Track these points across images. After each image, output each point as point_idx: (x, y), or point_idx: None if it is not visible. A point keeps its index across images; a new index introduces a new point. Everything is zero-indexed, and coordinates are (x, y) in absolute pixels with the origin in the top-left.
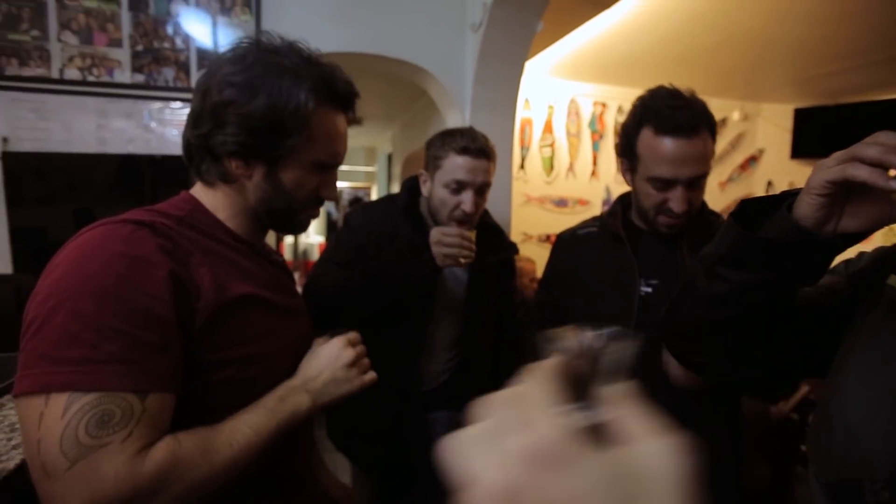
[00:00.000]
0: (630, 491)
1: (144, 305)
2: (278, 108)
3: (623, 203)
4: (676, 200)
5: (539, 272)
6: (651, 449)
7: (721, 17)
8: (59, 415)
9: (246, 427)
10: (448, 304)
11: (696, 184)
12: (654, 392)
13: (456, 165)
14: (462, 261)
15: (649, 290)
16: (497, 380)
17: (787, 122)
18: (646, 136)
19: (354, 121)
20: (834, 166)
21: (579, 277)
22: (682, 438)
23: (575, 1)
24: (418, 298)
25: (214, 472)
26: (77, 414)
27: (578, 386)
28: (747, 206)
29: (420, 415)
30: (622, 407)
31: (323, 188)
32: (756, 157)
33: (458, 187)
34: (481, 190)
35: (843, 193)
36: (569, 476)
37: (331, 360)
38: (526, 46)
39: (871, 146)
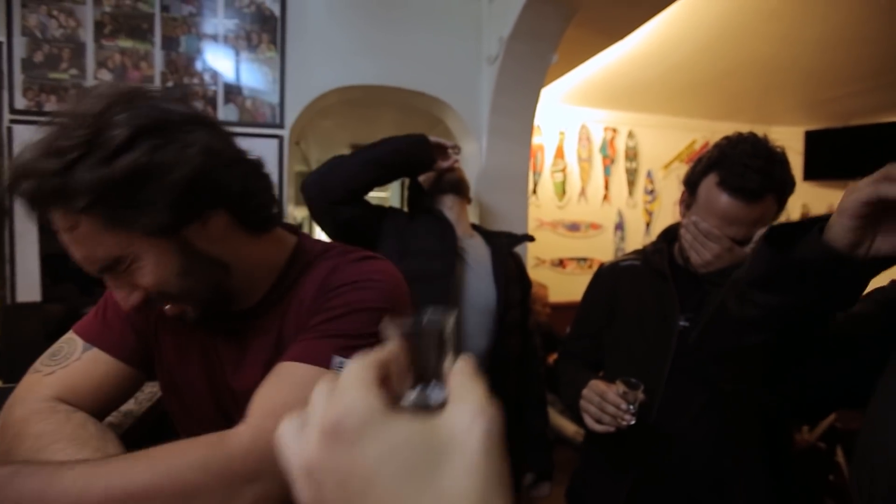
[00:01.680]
0: (431, 458)
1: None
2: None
3: (667, 238)
4: (710, 251)
5: (551, 297)
6: (459, 410)
7: (730, 44)
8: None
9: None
10: (478, 304)
11: (741, 244)
12: (690, 422)
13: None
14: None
15: (687, 324)
16: (520, 399)
17: (798, 145)
18: (709, 182)
19: None
20: (867, 187)
21: (620, 310)
22: (489, 401)
23: (587, 34)
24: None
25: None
26: (58, 343)
27: (421, 368)
28: (778, 231)
29: None
30: (451, 379)
31: None
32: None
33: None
34: None
35: (876, 215)
36: (361, 447)
37: None
38: (541, 77)
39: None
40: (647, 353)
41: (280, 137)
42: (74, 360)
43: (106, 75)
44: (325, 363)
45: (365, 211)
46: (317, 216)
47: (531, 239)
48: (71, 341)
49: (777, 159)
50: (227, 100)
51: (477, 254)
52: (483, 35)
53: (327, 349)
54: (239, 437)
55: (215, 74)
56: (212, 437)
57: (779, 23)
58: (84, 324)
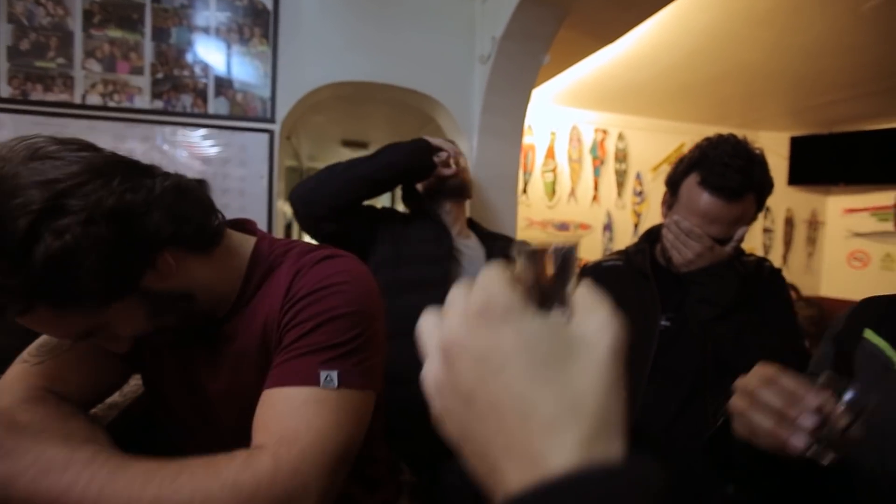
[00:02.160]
0: (562, 352)
1: None
2: None
3: (650, 239)
4: (692, 250)
5: None
6: (588, 319)
7: (720, 50)
8: None
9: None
10: None
11: (721, 243)
12: (668, 429)
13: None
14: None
15: (668, 323)
16: None
17: (784, 150)
18: (690, 182)
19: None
20: (741, 411)
21: None
22: (618, 315)
23: (580, 35)
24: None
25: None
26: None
27: (544, 295)
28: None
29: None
30: (577, 298)
31: None
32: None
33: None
34: None
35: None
36: (502, 329)
37: None
38: (533, 77)
39: (770, 392)
40: (629, 352)
41: (271, 132)
42: (64, 351)
43: (94, 65)
44: (313, 380)
45: (351, 227)
46: (303, 227)
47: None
48: None
49: (756, 160)
50: (218, 93)
51: (472, 255)
52: (476, 34)
53: (310, 366)
54: (263, 463)
55: (206, 67)
56: (238, 459)
57: (768, 30)
58: None
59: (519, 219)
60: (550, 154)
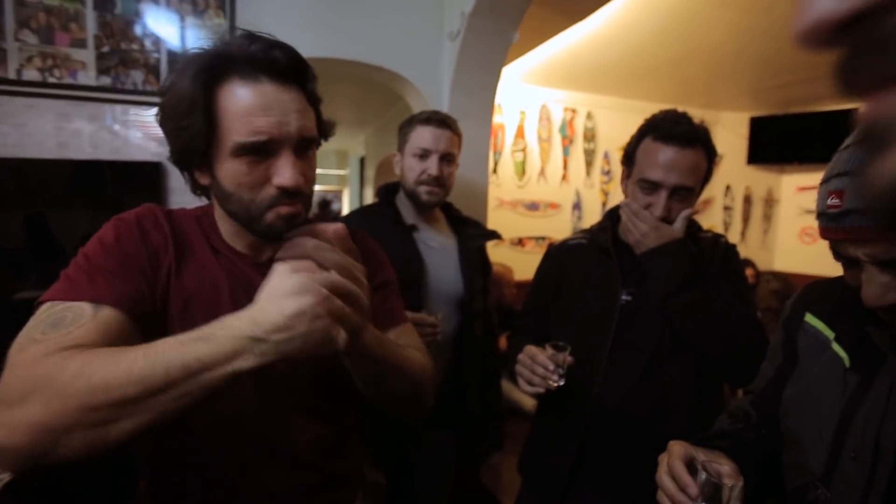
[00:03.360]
0: None
1: (118, 244)
2: (169, 105)
3: (612, 216)
4: (658, 206)
5: (517, 278)
6: None
7: (685, 31)
8: (33, 319)
9: (146, 357)
10: (444, 291)
11: (680, 194)
12: (629, 394)
13: (421, 135)
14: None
15: (629, 298)
16: (490, 381)
17: (744, 130)
18: (645, 143)
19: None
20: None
21: (566, 286)
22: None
23: (549, 12)
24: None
25: (95, 395)
26: (42, 316)
27: None
28: None
29: (425, 430)
30: None
31: (275, 175)
32: (716, 162)
33: (424, 154)
34: (446, 158)
35: None
36: None
37: (295, 304)
38: (502, 55)
39: (667, 478)
40: (591, 325)
41: None
42: (85, 322)
43: (29, 36)
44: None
45: None
46: None
47: (498, 237)
48: (71, 307)
49: (700, 124)
50: (172, 68)
51: (443, 243)
52: (445, 10)
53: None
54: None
55: (158, 41)
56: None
57: (730, 11)
58: (72, 287)
59: (490, 199)
60: (520, 133)
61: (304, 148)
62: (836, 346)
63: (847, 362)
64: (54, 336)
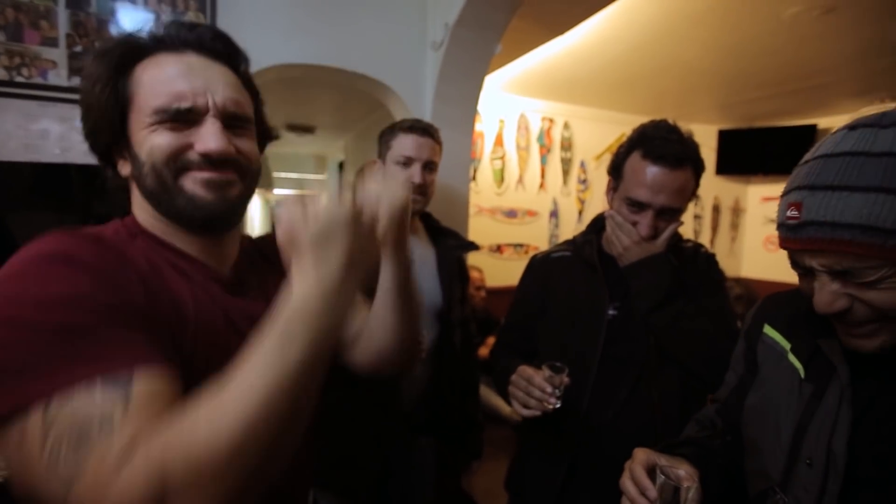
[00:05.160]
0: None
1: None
2: (82, 91)
3: (596, 227)
4: (643, 225)
5: (487, 281)
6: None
7: (659, 47)
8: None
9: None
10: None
11: (667, 214)
12: (621, 408)
13: (404, 143)
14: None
15: (615, 312)
16: (470, 385)
17: (712, 142)
18: (633, 159)
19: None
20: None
21: (551, 300)
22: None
23: (531, 25)
24: None
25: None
26: (42, 441)
27: None
28: None
29: (406, 437)
30: None
31: (197, 142)
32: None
33: (407, 162)
34: (428, 166)
35: None
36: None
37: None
38: (485, 66)
39: (630, 482)
40: (578, 341)
41: None
42: (123, 411)
43: None
44: None
45: None
46: None
47: (476, 248)
48: (79, 405)
49: (689, 137)
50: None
51: (422, 254)
52: (428, 20)
53: None
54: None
55: None
56: None
57: (702, 28)
58: (75, 366)
59: (470, 205)
60: (499, 141)
61: (235, 124)
62: (791, 357)
63: (802, 373)
64: (98, 457)
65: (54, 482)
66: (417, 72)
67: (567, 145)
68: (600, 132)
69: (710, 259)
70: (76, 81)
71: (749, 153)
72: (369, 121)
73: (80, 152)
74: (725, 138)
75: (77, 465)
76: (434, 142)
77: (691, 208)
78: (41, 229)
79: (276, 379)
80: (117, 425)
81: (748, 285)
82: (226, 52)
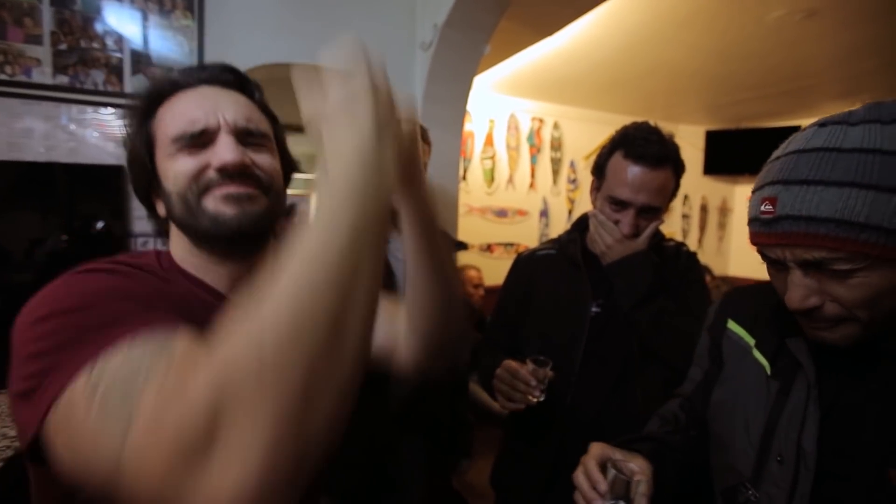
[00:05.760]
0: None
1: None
2: (125, 142)
3: (580, 226)
4: (625, 223)
5: (484, 280)
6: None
7: (647, 49)
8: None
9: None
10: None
11: (647, 212)
12: (603, 408)
13: None
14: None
15: (598, 310)
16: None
17: (700, 142)
18: (615, 159)
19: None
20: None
21: (536, 297)
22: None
23: (520, 26)
24: None
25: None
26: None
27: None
28: None
29: (395, 436)
30: None
31: (213, 158)
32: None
33: None
34: None
35: None
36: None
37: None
38: (474, 66)
39: (582, 476)
40: (562, 338)
41: None
42: (175, 364)
43: None
44: None
45: None
46: None
47: (465, 247)
48: (131, 356)
49: (670, 139)
50: (136, 69)
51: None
52: (417, 21)
53: None
54: None
55: (121, 39)
56: None
57: (688, 31)
58: (117, 330)
59: (460, 205)
60: (489, 141)
61: (250, 140)
62: (756, 353)
63: (768, 370)
64: (153, 390)
65: (105, 439)
66: (407, 72)
67: (557, 145)
68: (590, 132)
69: (692, 257)
70: (62, 80)
71: (736, 154)
72: None
73: (64, 151)
74: (713, 139)
75: (129, 412)
76: (423, 142)
77: (679, 208)
78: (25, 228)
79: (335, 242)
80: (163, 374)
81: (735, 283)
82: (237, 81)
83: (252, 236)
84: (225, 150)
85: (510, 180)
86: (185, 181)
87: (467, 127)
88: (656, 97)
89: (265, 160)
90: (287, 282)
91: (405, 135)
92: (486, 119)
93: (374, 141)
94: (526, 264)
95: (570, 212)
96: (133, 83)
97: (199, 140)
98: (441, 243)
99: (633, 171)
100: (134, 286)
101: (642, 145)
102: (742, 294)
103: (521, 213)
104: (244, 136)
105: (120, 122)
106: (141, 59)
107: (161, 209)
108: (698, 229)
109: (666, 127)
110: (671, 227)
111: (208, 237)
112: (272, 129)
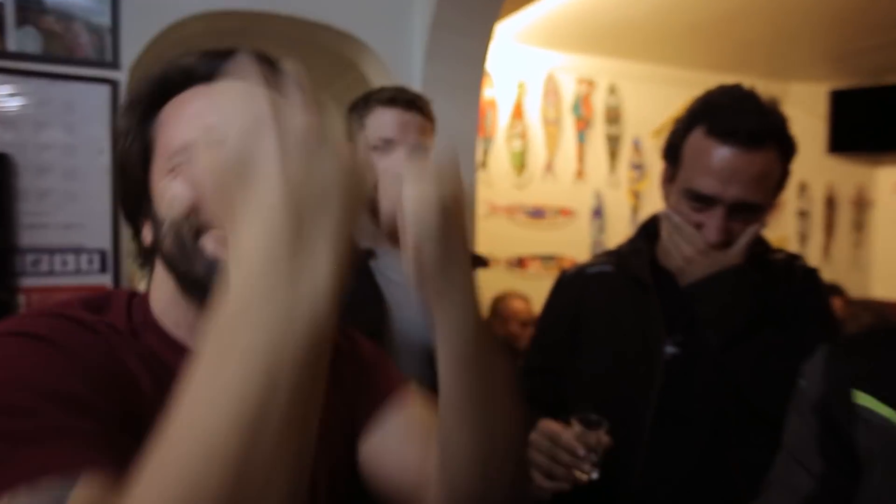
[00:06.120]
0: None
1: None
2: (117, 143)
3: (648, 232)
4: (711, 227)
5: (536, 310)
6: None
7: None
8: None
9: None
10: (412, 342)
11: (743, 211)
12: (680, 470)
13: (381, 120)
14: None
15: (676, 350)
16: None
17: (822, 108)
18: (695, 138)
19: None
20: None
21: (587, 331)
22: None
23: None
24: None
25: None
26: None
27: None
28: None
29: None
30: None
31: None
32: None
33: (386, 146)
34: (416, 151)
35: None
36: None
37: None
38: (496, 7)
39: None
40: (624, 389)
41: (114, 82)
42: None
43: None
44: None
45: None
46: None
47: (486, 263)
48: None
49: (772, 106)
50: (24, 20)
51: (407, 273)
52: None
53: None
54: None
55: None
56: None
57: None
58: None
59: (478, 203)
60: (518, 113)
61: None
62: None
63: None
64: None
65: None
66: (401, 19)
67: (614, 116)
68: (660, 97)
69: (811, 274)
70: None
71: (876, 122)
72: (335, 89)
73: None
74: (841, 102)
75: None
76: (423, 118)
77: (793, 202)
78: None
79: (220, 408)
80: None
81: (882, 311)
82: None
83: None
84: None
85: (548, 167)
86: (181, 209)
87: (487, 94)
88: (755, 45)
89: None
90: (169, 449)
91: (437, 201)
92: (513, 82)
93: (288, 235)
94: (571, 286)
95: (634, 209)
96: (19, 38)
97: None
98: (492, 365)
99: (721, 153)
100: (70, 368)
101: (732, 117)
102: (864, 344)
103: (565, 212)
104: None
105: (1, 94)
106: (30, 6)
107: (147, 236)
108: (823, 232)
109: (769, 88)
110: (781, 229)
111: (200, 287)
112: None
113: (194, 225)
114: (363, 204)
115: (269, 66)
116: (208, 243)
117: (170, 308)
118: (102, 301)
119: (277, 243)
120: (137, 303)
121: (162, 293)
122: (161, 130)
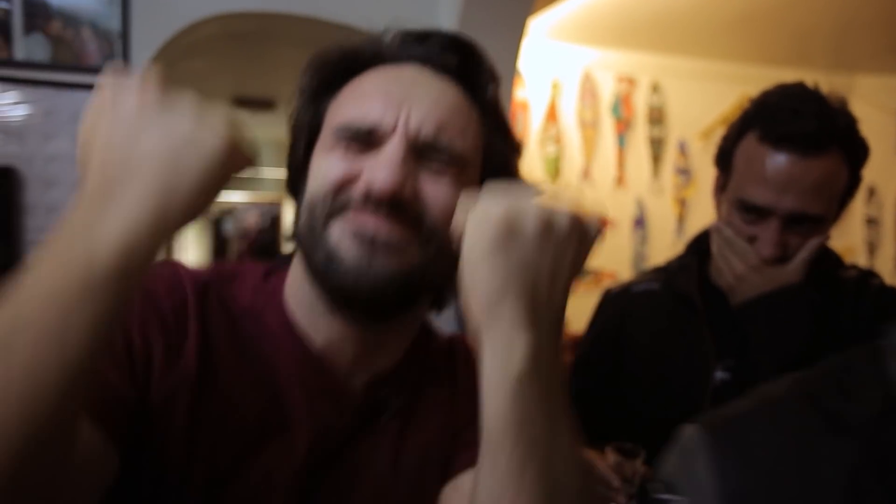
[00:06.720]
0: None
1: None
2: (295, 112)
3: (700, 248)
4: (765, 240)
5: (574, 329)
6: None
7: None
8: None
9: None
10: None
11: (800, 224)
12: None
13: None
14: None
15: (726, 376)
16: None
17: (893, 102)
18: (747, 143)
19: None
20: None
21: (630, 355)
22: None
23: None
24: None
25: None
26: None
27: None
28: None
29: None
30: None
31: (366, 170)
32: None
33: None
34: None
35: None
36: None
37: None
38: (527, 4)
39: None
40: (669, 417)
41: None
42: None
43: None
44: None
45: None
46: None
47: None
48: None
49: (838, 107)
50: (32, 26)
51: None
52: None
53: None
54: None
55: None
56: None
57: None
58: None
59: None
60: (552, 115)
61: (431, 156)
62: None
63: None
64: None
65: None
66: (428, 17)
67: (657, 117)
68: (708, 95)
69: (887, 293)
70: None
71: None
72: None
73: None
74: None
75: None
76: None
77: (860, 208)
78: None
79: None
80: None
81: None
82: (460, 66)
83: (375, 300)
84: (381, 166)
85: (586, 174)
86: (322, 189)
87: (519, 95)
88: (815, 35)
89: (438, 191)
90: None
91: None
92: (546, 82)
93: (95, 188)
94: (616, 304)
95: (679, 220)
96: (27, 45)
97: (366, 139)
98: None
99: (775, 161)
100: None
101: (788, 120)
102: None
103: (604, 222)
104: (425, 151)
105: (7, 103)
106: (38, 12)
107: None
108: (894, 242)
109: (831, 83)
110: (847, 239)
111: (318, 275)
112: (481, 150)
113: (328, 207)
114: (209, 167)
115: (464, 51)
116: (335, 230)
117: (295, 290)
118: (231, 274)
119: (86, 195)
120: (272, 282)
121: (295, 273)
122: (333, 108)
